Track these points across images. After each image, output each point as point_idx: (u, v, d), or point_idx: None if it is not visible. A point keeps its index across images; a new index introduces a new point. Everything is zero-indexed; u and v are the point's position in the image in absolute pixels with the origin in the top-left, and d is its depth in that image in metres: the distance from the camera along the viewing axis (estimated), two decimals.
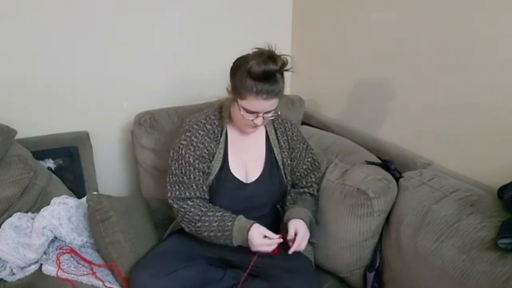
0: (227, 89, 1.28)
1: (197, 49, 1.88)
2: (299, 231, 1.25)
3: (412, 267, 1.18)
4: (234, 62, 1.27)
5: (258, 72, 1.15)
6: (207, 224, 1.25)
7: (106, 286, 1.28)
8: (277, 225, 1.47)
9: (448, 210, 1.14)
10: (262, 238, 1.21)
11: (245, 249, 1.36)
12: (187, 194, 1.30)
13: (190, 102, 1.79)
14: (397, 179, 1.35)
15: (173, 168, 1.33)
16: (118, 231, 1.33)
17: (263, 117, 1.25)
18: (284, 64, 1.20)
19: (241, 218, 1.26)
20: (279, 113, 1.30)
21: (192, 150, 1.31)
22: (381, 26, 1.56)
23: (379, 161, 1.45)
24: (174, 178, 1.32)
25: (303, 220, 1.28)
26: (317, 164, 1.50)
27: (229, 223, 1.24)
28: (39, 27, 1.56)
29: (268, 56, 1.17)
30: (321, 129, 1.79)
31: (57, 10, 1.57)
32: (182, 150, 1.32)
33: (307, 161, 1.47)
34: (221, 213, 1.27)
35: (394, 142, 1.57)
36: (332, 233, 1.38)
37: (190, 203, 1.29)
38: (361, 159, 1.45)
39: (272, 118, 1.31)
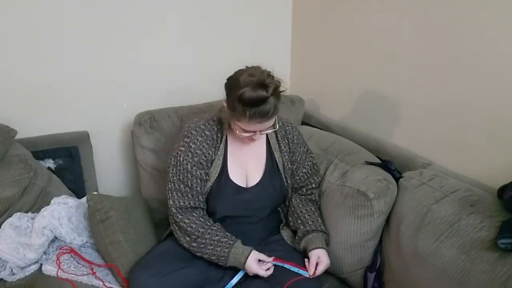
0: (223, 103, 1.27)
1: (197, 49, 1.88)
2: (321, 262, 1.29)
3: (412, 267, 1.18)
4: (228, 80, 1.26)
5: (249, 99, 1.14)
6: (202, 246, 1.27)
7: (106, 286, 1.28)
8: (277, 226, 1.47)
9: (448, 210, 1.14)
10: (257, 265, 1.25)
11: None
12: (181, 203, 1.31)
13: (190, 102, 1.79)
14: (397, 179, 1.35)
15: (170, 175, 1.34)
16: (118, 231, 1.33)
17: (260, 133, 1.27)
18: (276, 88, 1.18)
19: (237, 245, 1.27)
20: (277, 127, 1.29)
21: (190, 156, 1.31)
22: (381, 26, 1.56)
23: (379, 161, 1.45)
24: (171, 186, 1.33)
25: (323, 248, 1.31)
26: (316, 168, 1.51)
27: (226, 250, 1.26)
28: (40, 27, 1.56)
29: (257, 83, 1.15)
30: (321, 129, 1.79)
31: (58, 11, 1.57)
32: (180, 156, 1.32)
33: (307, 164, 1.47)
34: (218, 237, 1.28)
35: (394, 142, 1.57)
36: (333, 234, 1.38)
37: (187, 221, 1.29)
38: (361, 159, 1.45)
39: (271, 131, 1.32)
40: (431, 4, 1.35)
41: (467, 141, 1.32)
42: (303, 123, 1.90)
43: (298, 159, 1.45)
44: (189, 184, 1.31)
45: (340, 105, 1.86)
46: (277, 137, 1.44)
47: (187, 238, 1.29)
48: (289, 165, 1.44)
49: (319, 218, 1.40)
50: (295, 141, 1.45)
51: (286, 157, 1.43)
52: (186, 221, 1.29)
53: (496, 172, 1.21)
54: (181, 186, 1.32)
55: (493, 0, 1.17)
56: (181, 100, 1.84)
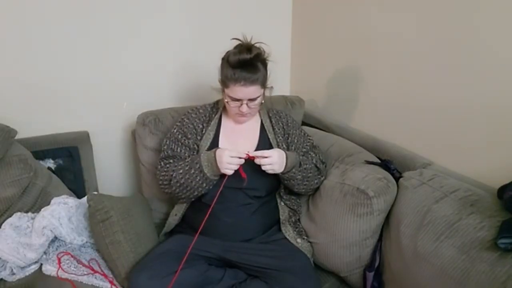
0: (218, 80, 1.37)
1: (198, 51, 1.88)
2: (269, 155, 1.29)
3: (412, 267, 1.18)
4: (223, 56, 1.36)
5: (234, 60, 1.28)
6: (180, 170, 1.34)
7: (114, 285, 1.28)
8: (276, 220, 1.46)
9: (448, 210, 1.14)
10: (227, 151, 1.28)
11: (244, 249, 1.36)
12: (165, 161, 1.41)
13: (191, 102, 1.79)
14: (397, 179, 1.35)
15: (162, 144, 1.47)
16: (118, 231, 1.33)
17: (247, 105, 1.33)
18: (259, 54, 1.30)
19: (207, 151, 1.36)
20: (263, 101, 1.39)
21: (181, 128, 1.45)
22: (381, 27, 1.56)
23: (378, 161, 1.45)
24: (161, 154, 1.46)
25: (285, 153, 1.34)
26: (318, 148, 1.53)
27: (197, 158, 1.33)
28: (39, 27, 1.57)
29: (244, 46, 1.30)
30: (321, 129, 1.79)
31: (56, 10, 1.57)
32: (174, 129, 1.47)
33: (306, 145, 1.50)
34: (190, 158, 1.38)
35: (394, 142, 1.57)
36: (332, 232, 1.38)
37: (163, 164, 1.42)
38: (361, 160, 1.45)
39: (256, 107, 1.38)
40: (432, 5, 1.35)
41: (467, 141, 1.32)
42: (303, 123, 1.90)
43: (295, 141, 1.49)
44: (177, 150, 1.42)
45: (340, 105, 1.86)
46: (271, 121, 1.50)
47: (169, 175, 1.37)
48: (284, 146, 1.46)
49: (306, 161, 1.42)
50: (289, 124, 1.51)
51: (280, 138, 1.47)
52: (163, 163, 1.42)
53: (496, 172, 1.21)
54: (169, 151, 1.43)
55: (492, 3, 1.18)
56: (182, 100, 1.84)
